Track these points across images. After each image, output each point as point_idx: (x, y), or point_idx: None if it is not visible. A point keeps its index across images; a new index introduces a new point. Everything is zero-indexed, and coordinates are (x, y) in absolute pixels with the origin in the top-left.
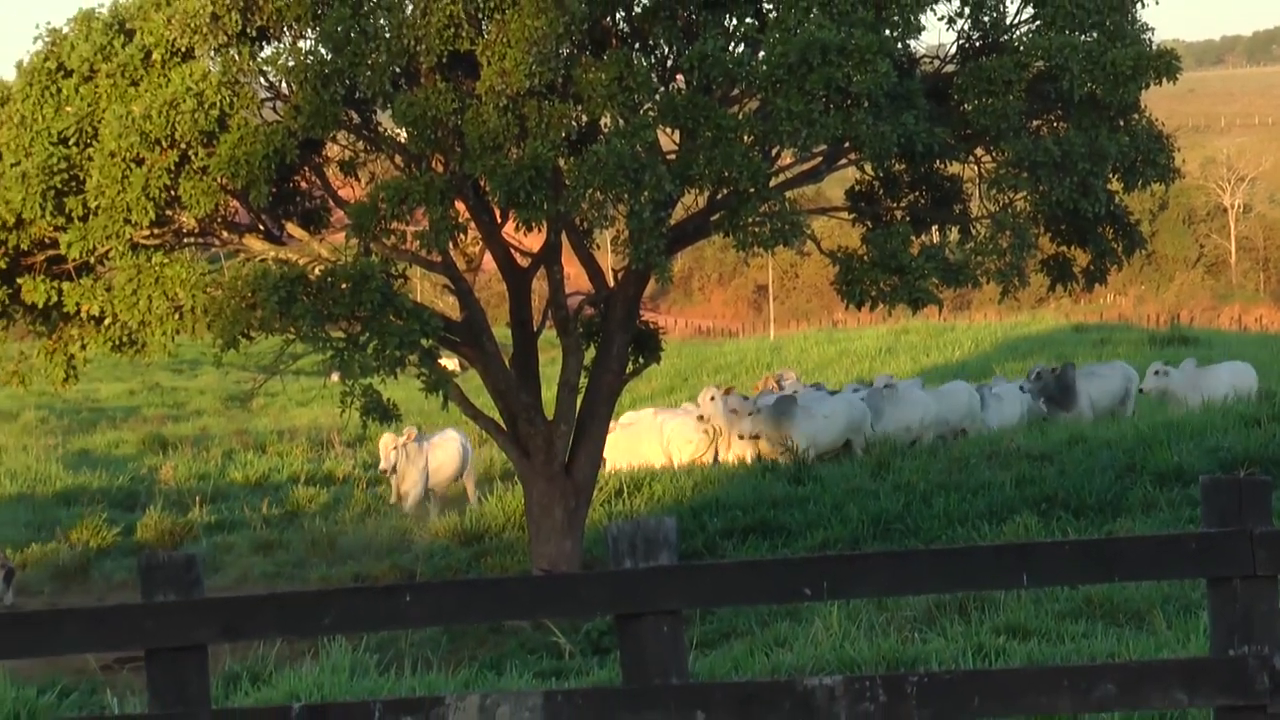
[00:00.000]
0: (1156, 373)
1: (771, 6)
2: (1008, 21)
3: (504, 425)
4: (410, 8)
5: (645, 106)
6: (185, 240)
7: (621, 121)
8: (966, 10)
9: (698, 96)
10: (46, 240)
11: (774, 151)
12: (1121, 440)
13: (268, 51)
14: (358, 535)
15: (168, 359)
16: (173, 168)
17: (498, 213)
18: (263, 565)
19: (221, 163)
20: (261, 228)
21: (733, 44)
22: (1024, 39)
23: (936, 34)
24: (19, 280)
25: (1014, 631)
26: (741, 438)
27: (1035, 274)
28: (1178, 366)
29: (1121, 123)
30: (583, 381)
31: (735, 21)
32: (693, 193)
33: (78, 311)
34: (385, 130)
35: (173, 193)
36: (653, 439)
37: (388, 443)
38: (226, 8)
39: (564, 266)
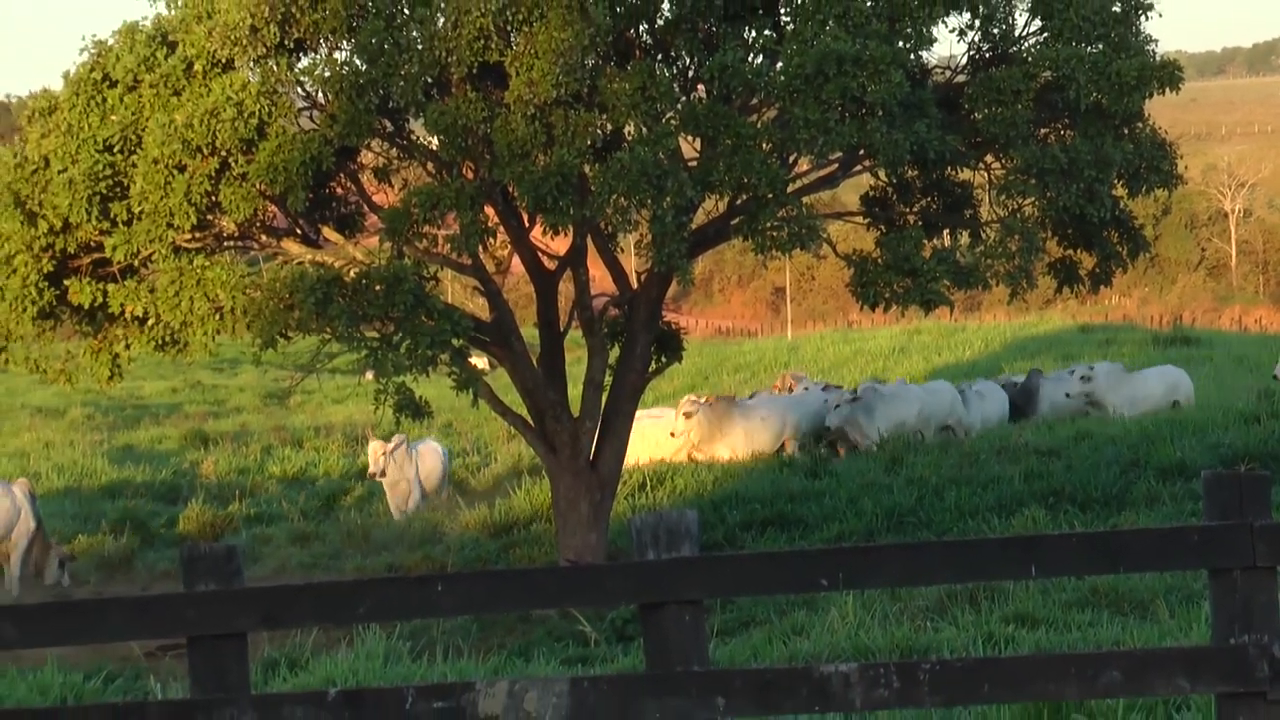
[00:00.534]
0: (1083, 378)
1: (789, 19)
2: (1017, 33)
3: (532, 422)
4: (441, 20)
5: (667, 115)
6: (225, 244)
7: (645, 130)
8: (977, 23)
9: (718, 106)
10: (92, 244)
11: (791, 158)
12: (1126, 436)
13: (305, 62)
14: (391, 527)
15: (208, 358)
16: (213, 174)
17: (526, 217)
18: (300, 556)
19: (260, 169)
20: (299, 232)
21: (752, 55)
22: (1032, 50)
23: (948, 45)
24: (66, 282)
25: (1023, 620)
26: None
27: (1043, 276)
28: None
29: (1126, 131)
30: (607, 380)
31: (754, 34)
32: (713, 198)
33: (122, 312)
34: (417, 138)
35: (213, 198)
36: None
37: (377, 449)
38: (265, 20)
39: (589, 269)
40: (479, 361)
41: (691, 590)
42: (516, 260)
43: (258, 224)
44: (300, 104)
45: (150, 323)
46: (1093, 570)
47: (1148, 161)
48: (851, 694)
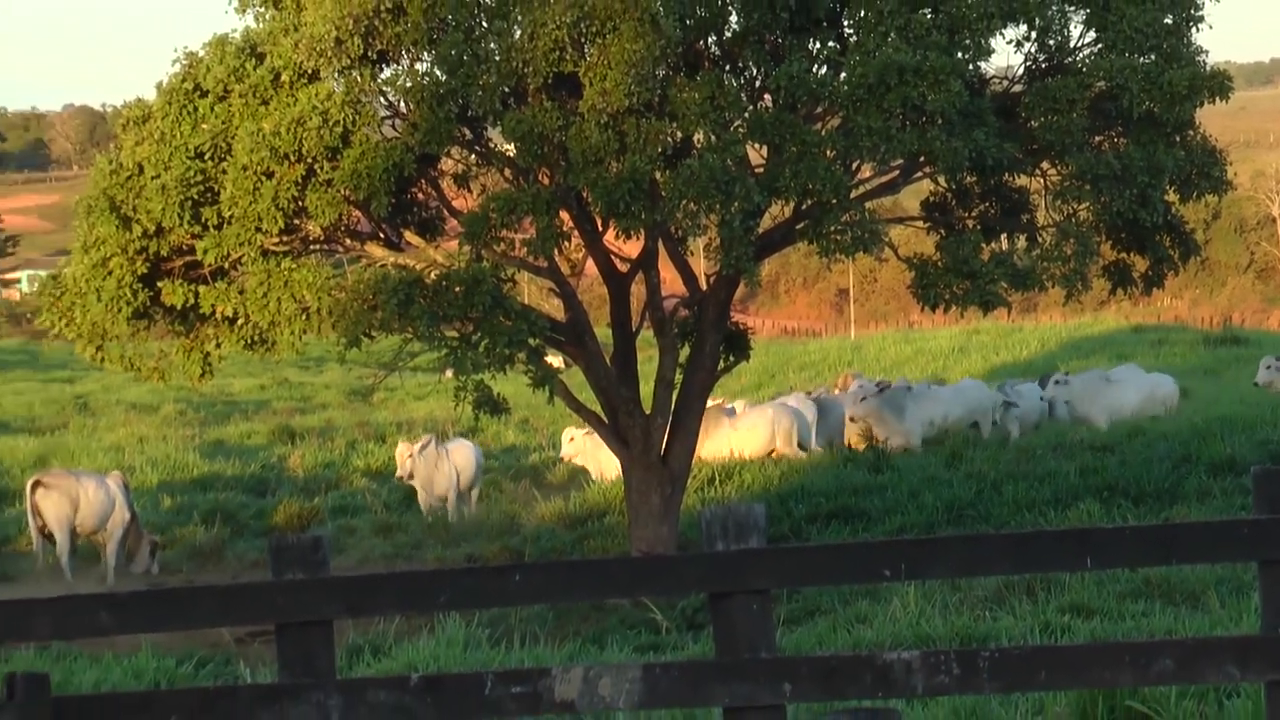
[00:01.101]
0: (1056, 381)
1: (852, 31)
2: (1072, 44)
3: (605, 418)
4: (518, 33)
5: (735, 124)
6: (311, 247)
7: (713, 138)
8: (1033, 34)
9: (784, 114)
10: (184, 247)
11: (854, 165)
12: (1178, 433)
13: (387, 73)
14: (470, 519)
15: (295, 356)
16: (300, 180)
17: (599, 222)
18: (383, 547)
19: (345, 176)
20: (382, 235)
21: (816, 66)
22: (1087, 61)
23: (1005, 56)
24: (159, 284)
25: (1078, 610)
26: (853, 419)
27: (1097, 279)
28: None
29: (1177, 138)
30: (677, 378)
31: (819, 45)
32: (779, 203)
33: (213, 313)
34: (495, 145)
35: (300, 203)
36: None
37: (403, 451)
38: (349, 33)
39: (660, 271)
40: (554, 360)
41: (759, 580)
42: (590, 263)
43: (342, 228)
44: (383, 113)
45: (240, 322)
46: (1146, 562)
47: (1198, 168)
48: (913, 680)
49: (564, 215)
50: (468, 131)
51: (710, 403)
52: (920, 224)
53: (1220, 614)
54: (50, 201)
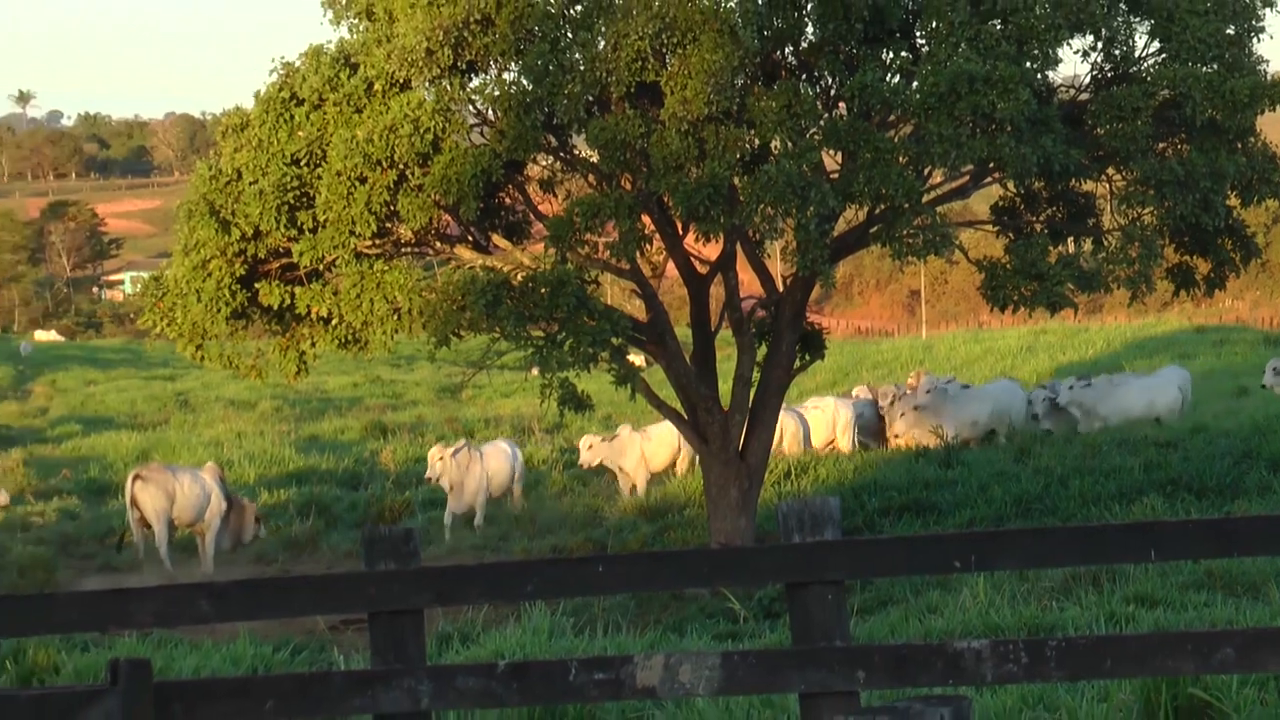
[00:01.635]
0: (1070, 388)
1: (924, 41)
2: (1137, 54)
3: (685, 415)
4: (602, 43)
5: (811, 131)
6: (403, 250)
7: (790, 144)
8: (1099, 44)
9: (858, 122)
10: (281, 250)
11: (926, 171)
12: (1239, 430)
13: (476, 82)
14: (555, 511)
15: (387, 355)
16: (392, 185)
17: (679, 225)
18: (471, 538)
19: (435, 181)
20: (470, 239)
21: (889, 75)
22: (1151, 70)
23: (1072, 65)
24: (257, 285)
25: (1142, 601)
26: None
27: (1161, 281)
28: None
29: (1239, 145)
30: (755, 376)
31: (892, 55)
32: (853, 207)
33: (308, 313)
34: (580, 152)
35: (392, 208)
36: (635, 449)
37: (434, 454)
38: (440, 44)
39: (738, 273)
40: (636, 359)
41: (834, 571)
42: (671, 265)
43: (433, 231)
44: (472, 121)
45: (334, 322)
46: (1208, 554)
47: (1259, 173)
48: (983, 668)
49: (646, 219)
50: (553, 139)
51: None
52: (990, 228)
53: None
54: (152, 206)
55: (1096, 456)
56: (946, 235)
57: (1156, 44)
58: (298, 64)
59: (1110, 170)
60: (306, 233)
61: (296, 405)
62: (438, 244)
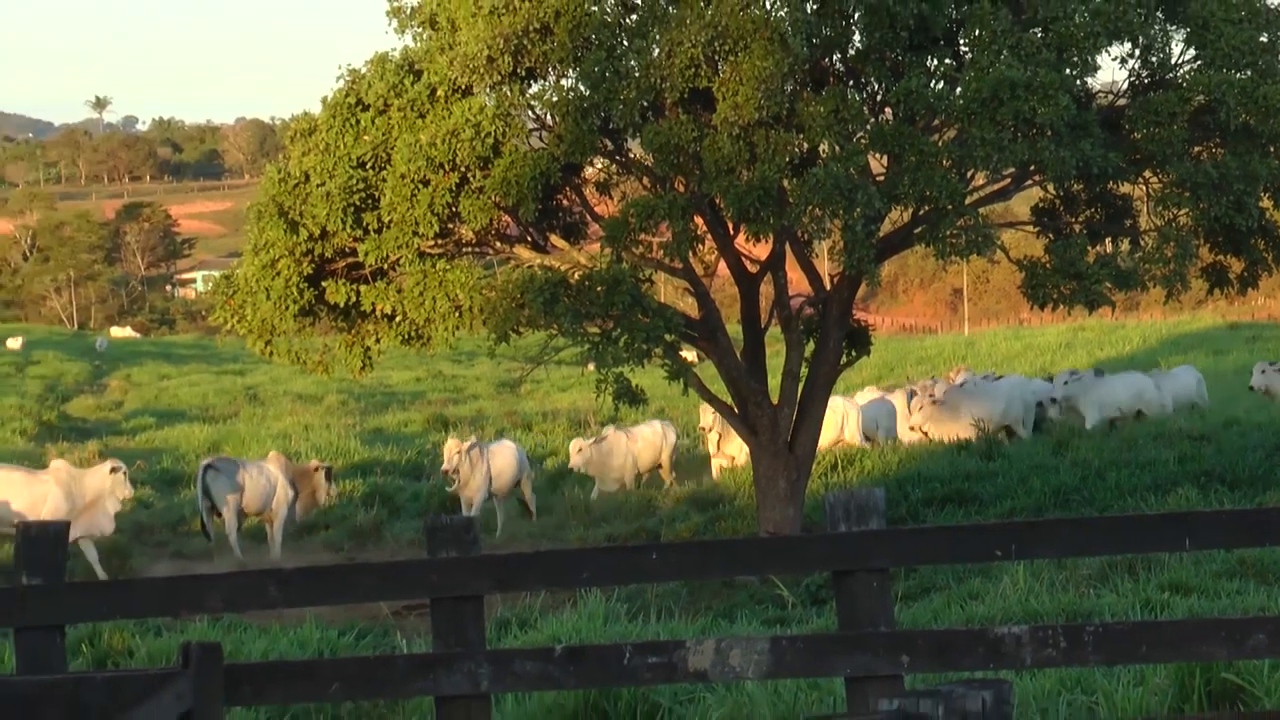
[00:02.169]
0: (1065, 383)
1: (967, 49)
2: (1172, 61)
3: (736, 408)
4: (657, 51)
5: (858, 135)
6: (464, 249)
7: (838, 148)
8: (1137, 52)
9: (903, 126)
10: (347, 249)
11: (969, 174)
12: (1272, 423)
13: (535, 88)
14: (610, 501)
15: (449, 351)
16: (454, 188)
17: (730, 226)
18: (529, 527)
19: (495, 183)
20: (529, 239)
21: (934, 81)
22: (1187, 76)
23: (1110, 72)
24: (324, 283)
25: (1177, 588)
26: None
27: (1195, 279)
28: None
29: (1272, 149)
30: (803, 371)
31: (936, 62)
32: (898, 209)
33: (373, 310)
34: (635, 155)
35: (454, 209)
36: (621, 450)
37: (452, 446)
38: (500, 51)
39: (787, 272)
40: (688, 354)
41: (879, 559)
42: (722, 264)
43: (493, 232)
44: (531, 125)
45: (397, 319)
46: (1241, 543)
47: None
48: (1023, 653)
49: (698, 220)
50: (609, 143)
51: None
52: (1030, 228)
53: None
54: (223, 207)
55: (1132, 449)
56: (988, 235)
57: (1192, 51)
58: (363, 71)
59: (1147, 173)
60: (371, 233)
61: (361, 399)
62: (498, 244)
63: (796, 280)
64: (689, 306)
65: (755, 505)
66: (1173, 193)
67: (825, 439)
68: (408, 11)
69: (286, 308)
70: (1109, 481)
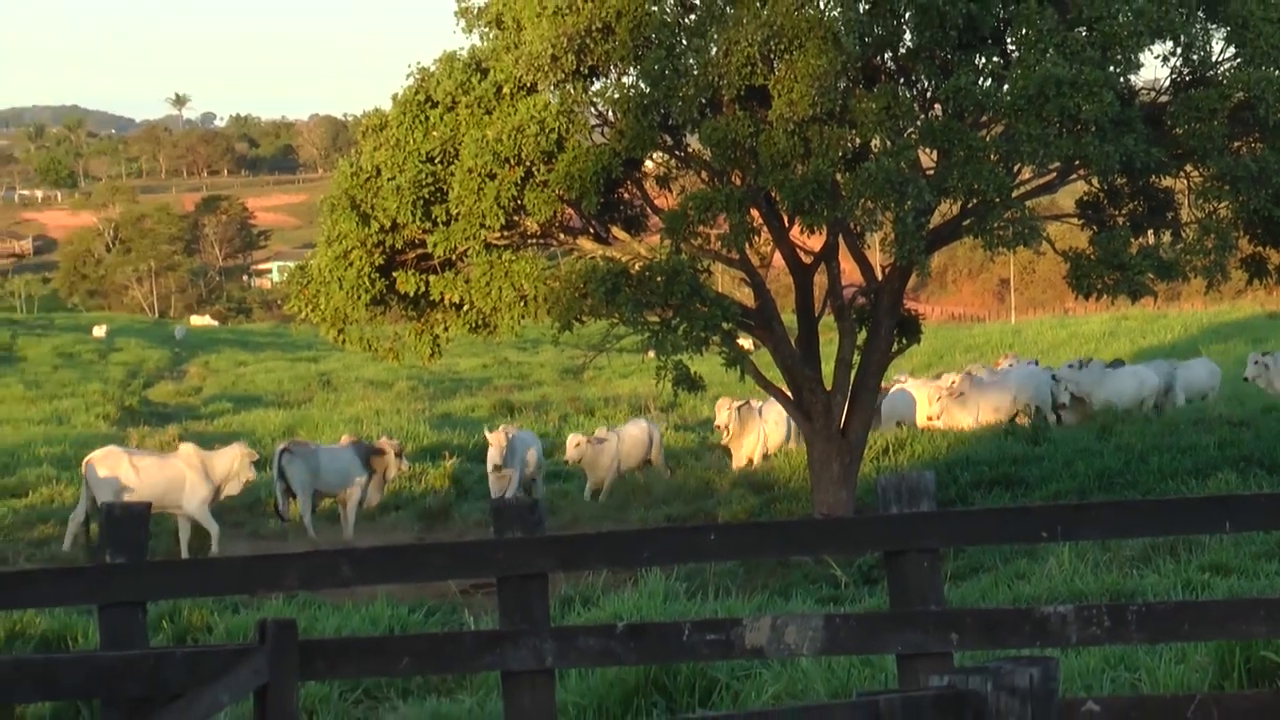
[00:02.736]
0: (1069, 366)
1: (1014, 47)
2: (1213, 59)
3: (791, 395)
4: (714, 49)
5: (909, 131)
6: (529, 241)
7: (889, 143)
8: (1178, 50)
9: (952, 122)
10: (416, 241)
11: (1016, 168)
12: None
13: (597, 86)
14: (669, 483)
15: (514, 338)
16: (519, 182)
17: (786, 219)
18: (591, 509)
19: (559, 177)
20: (591, 231)
21: (982, 79)
22: (1227, 74)
23: (1153, 69)
24: (394, 274)
25: (1217, 569)
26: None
27: (1235, 270)
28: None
29: None
30: (856, 358)
31: (984, 60)
32: (947, 202)
33: (442, 299)
34: (693, 150)
35: (519, 202)
36: (611, 450)
37: (499, 437)
38: (564, 50)
39: (840, 263)
40: (745, 342)
41: (929, 540)
42: (778, 255)
43: (556, 224)
44: (593, 121)
45: (465, 308)
46: (1279, 525)
47: None
48: (1068, 631)
49: (754, 213)
50: (668, 138)
51: (735, 403)
52: (1075, 221)
53: None
54: (298, 200)
55: (1174, 434)
56: (1034, 228)
57: (1232, 49)
58: (432, 69)
59: (1188, 167)
60: (440, 225)
61: (430, 385)
62: (561, 235)
63: (849, 271)
64: (745, 296)
65: (810, 488)
66: (1213, 186)
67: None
68: (475, 12)
69: (358, 297)
70: (1151, 465)
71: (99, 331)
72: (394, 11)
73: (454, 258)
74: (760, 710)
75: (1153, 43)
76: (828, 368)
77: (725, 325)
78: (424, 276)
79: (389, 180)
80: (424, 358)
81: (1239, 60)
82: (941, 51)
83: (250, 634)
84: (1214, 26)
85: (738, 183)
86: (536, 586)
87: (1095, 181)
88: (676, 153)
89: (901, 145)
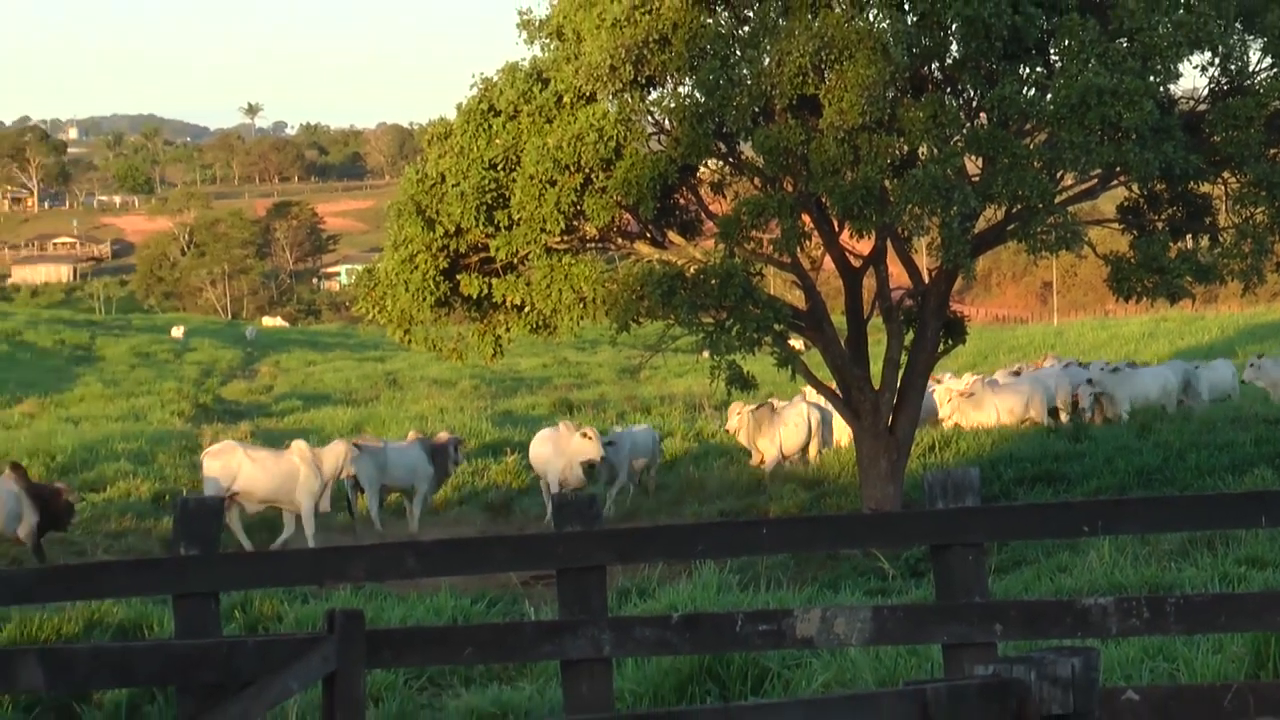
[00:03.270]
0: (1103, 370)
1: (1057, 58)
2: (1250, 69)
3: (840, 393)
4: (767, 60)
5: (955, 138)
6: (588, 245)
7: (936, 150)
8: (1216, 60)
9: (997, 130)
10: (479, 245)
11: (1058, 174)
12: None
13: (654, 95)
14: (723, 480)
15: (573, 339)
16: (578, 188)
17: (836, 223)
18: (647, 504)
19: (617, 184)
20: (648, 235)
21: (1026, 88)
22: (1264, 83)
23: (1191, 79)
24: (458, 276)
25: (1253, 562)
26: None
27: (1272, 273)
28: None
29: None
30: (903, 358)
31: (1028, 70)
32: (992, 207)
33: (503, 301)
34: (746, 157)
35: (578, 207)
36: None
37: (734, 410)
38: (622, 61)
39: (888, 266)
40: (796, 343)
41: (974, 534)
42: (828, 259)
43: (614, 229)
44: (650, 129)
45: (526, 310)
46: None
47: None
48: (1108, 623)
49: (805, 218)
50: (723, 145)
51: (749, 408)
52: (1116, 225)
53: None
54: (365, 206)
55: (1211, 432)
56: (1076, 232)
57: (1269, 59)
58: (495, 79)
59: (1225, 173)
60: (502, 230)
61: (492, 384)
62: (619, 240)
63: (897, 274)
64: (796, 298)
65: (858, 483)
66: (1250, 192)
67: (792, 444)
68: (537, 24)
69: (424, 299)
70: (1189, 462)
71: (177, 332)
72: (458, 24)
73: (515, 261)
74: (810, 698)
75: (1191, 53)
76: (876, 367)
77: (777, 326)
78: (486, 279)
79: (453, 186)
80: (486, 357)
81: (1276, 70)
82: (987, 62)
83: (319, 624)
84: (1251, 37)
85: (789, 189)
86: (595, 578)
87: (1135, 187)
88: (730, 160)
89: (948, 153)
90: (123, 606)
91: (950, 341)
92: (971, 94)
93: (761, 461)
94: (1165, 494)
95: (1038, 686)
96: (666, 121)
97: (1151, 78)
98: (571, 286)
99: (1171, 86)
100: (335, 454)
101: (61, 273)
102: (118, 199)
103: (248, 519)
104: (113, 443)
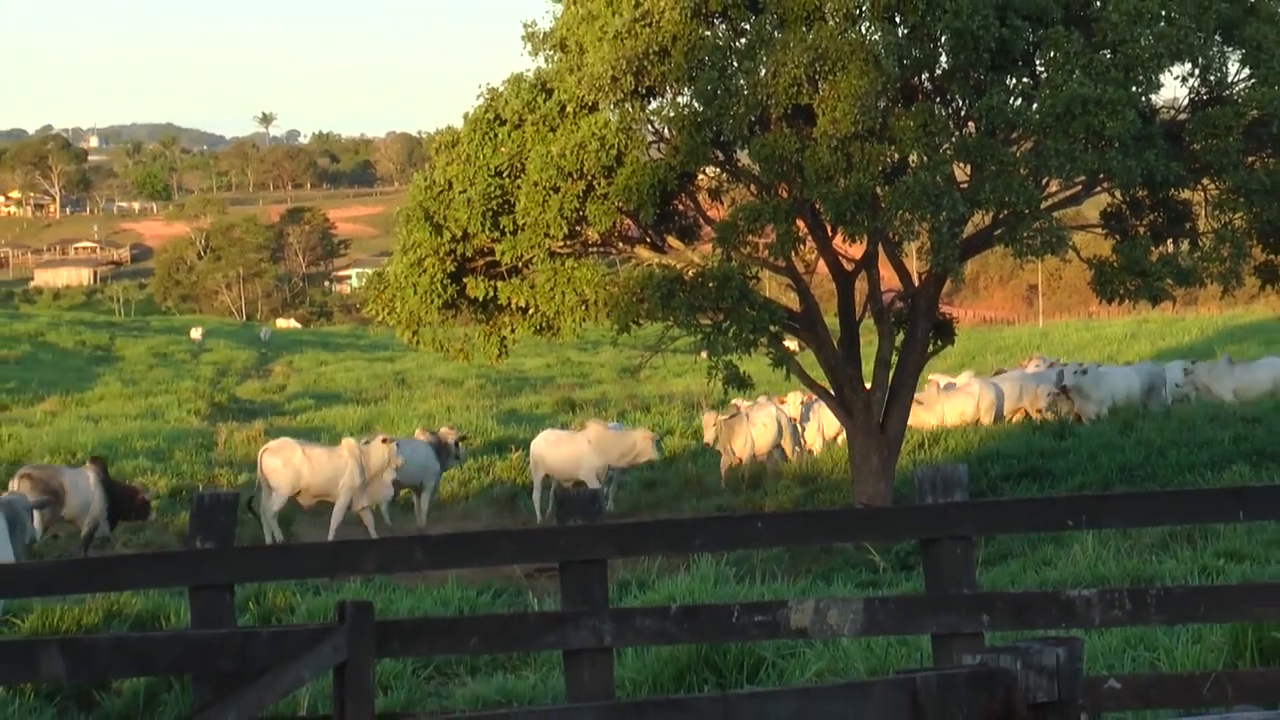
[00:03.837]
0: (1075, 373)
1: (1043, 69)
2: (1229, 79)
3: (833, 392)
4: (763, 71)
5: (944, 147)
6: (590, 249)
7: (925, 158)
8: (1196, 71)
9: (985, 139)
10: (485, 249)
11: (1044, 181)
12: None
13: (654, 105)
14: (720, 476)
15: (576, 340)
16: (581, 194)
17: (829, 228)
18: (647, 499)
19: (618, 190)
20: (648, 240)
21: (1012, 98)
22: (1242, 93)
23: (1172, 89)
24: (465, 280)
25: (1231, 555)
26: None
27: (1249, 277)
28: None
29: None
30: (894, 359)
31: (1014, 80)
32: (980, 213)
33: (509, 304)
34: (743, 165)
35: (581, 213)
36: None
37: (710, 419)
38: (623, 72)
39: (880, 270)
40: (791, 344)
41: (962, 528)
42: (821, 263)
43: (616, 234)
44: (650, 138)
45: (530, 312)
46: None
47: None
48: (1092, 613)
49: (800, 223)
50: (720, 153)
51: (720, 416)
52: (1099, 230)
53: None
54: (375, 212)
55: (1191, 430)
56: (1061, 237)
57: (1247, 70)
58: (501, 89)
59: (1205, 180)
60: (507, 235)
61: (498, 383)
62: (620, 244)
63: (888, 277)
64: (791, 301)
65: (850, 480)
66: (1229, 198)
67: (764, 441)
68: (540, 36)
69: (431, 301)
70: (1170, 459)
71: (197, 334)
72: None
73: (520, 265)
74: (805, 686)
75: (1173, 64)
76: (868, 367)
77: (772, 328)
78: (492, 282)
79: (460, 193)
80: (492, 358)
81: (1253, 80)
82: (975, 72)
83: (330, 615)
84: (1230, 49)
85: (784, 195)
86: (596, 571)
87: (1118, 194)
88: (727, 167)
89: (937, 160)
90: (141, 598)
91: (939, 342)
92: (960, 104)
93: (738, 463)
94: (1147, 489)
95: (1024, 675)
96: (666, 130)
97: (1134, 88)
98: (574, 289)
99: (1153, 96)
100: (380, 450)
101: (82, 276)
102: (137, 205)
103: (280, 513)
104: (131, 440)
